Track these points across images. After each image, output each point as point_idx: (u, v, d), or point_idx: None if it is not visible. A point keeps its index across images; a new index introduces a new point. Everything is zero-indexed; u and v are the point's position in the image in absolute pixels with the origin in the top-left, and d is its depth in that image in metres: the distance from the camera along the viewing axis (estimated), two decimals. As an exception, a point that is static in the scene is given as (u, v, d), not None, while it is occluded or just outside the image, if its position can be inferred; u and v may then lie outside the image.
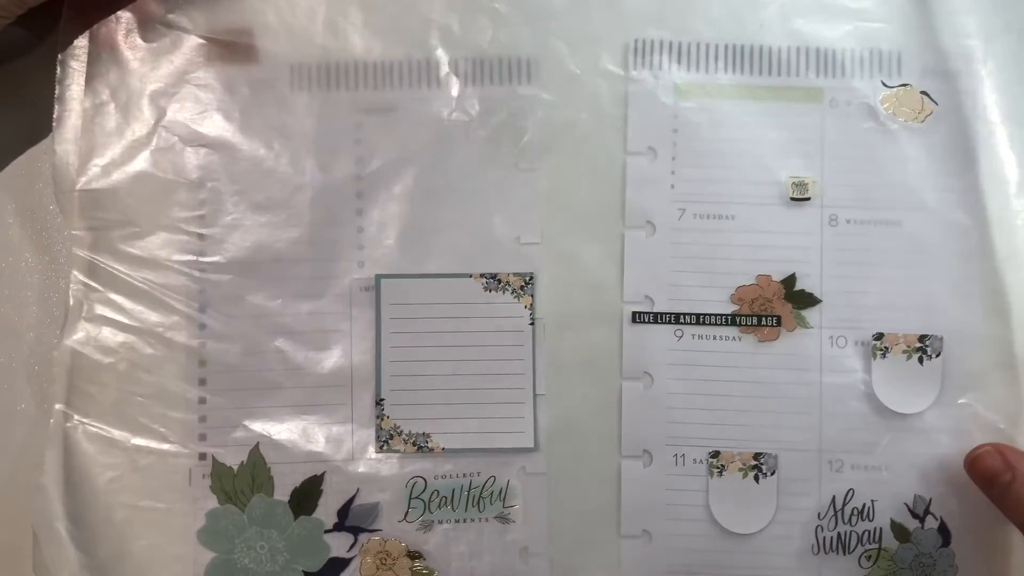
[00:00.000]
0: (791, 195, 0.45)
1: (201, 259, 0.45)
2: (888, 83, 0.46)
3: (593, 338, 0.45)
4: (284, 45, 0.46)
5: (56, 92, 0.45)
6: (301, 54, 0.46)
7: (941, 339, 0.45)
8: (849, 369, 0.45)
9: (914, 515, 0.45)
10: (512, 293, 0.45)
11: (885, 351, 0.45)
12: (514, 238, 0.46)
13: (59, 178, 0.44)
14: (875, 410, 0.45)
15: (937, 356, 0.45)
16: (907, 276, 0.45)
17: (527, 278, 0.45)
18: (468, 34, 0.46)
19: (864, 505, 0.45)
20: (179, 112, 0.45)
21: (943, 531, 0.45)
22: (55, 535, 0.42)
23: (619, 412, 0.45)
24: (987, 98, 0.46)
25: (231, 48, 0.45)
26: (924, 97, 0.46)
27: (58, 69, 0.45)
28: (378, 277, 0.45)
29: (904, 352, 0.45)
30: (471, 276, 0.45)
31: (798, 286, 0.45)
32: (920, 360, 0.45)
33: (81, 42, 0.45)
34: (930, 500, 0.44)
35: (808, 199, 0.45)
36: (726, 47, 0.46)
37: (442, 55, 0.46)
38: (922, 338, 0.45)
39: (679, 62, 0.46)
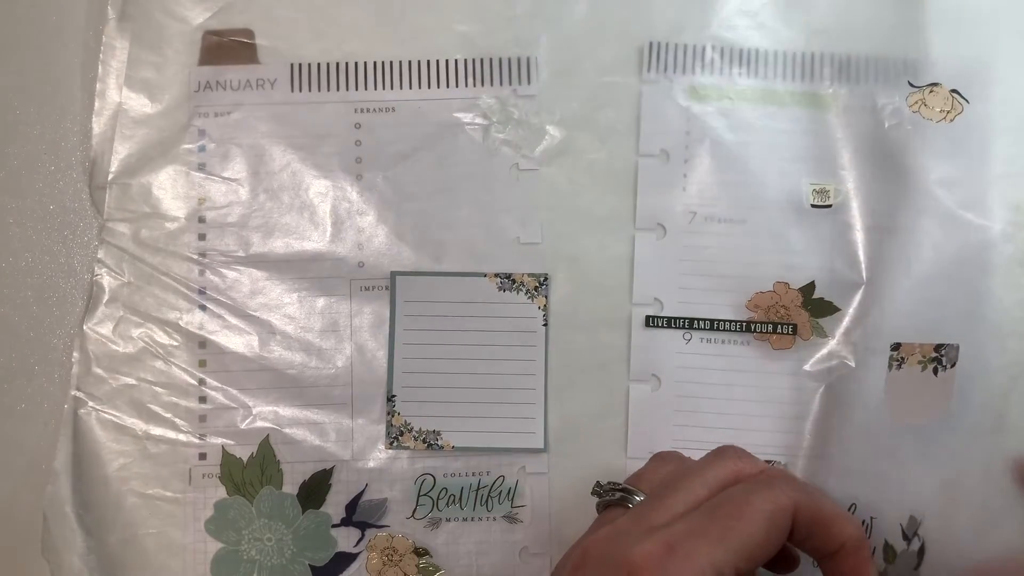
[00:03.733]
0: (812, 202, 0.45)
1: (219, 253, 0.45)
2: (915, 83, 0.45)
3: (602, 339, 0.45)
4: (285, 45, 0.46)
5: (96, 88, 0.46)
6: (302, 54, 0.46)
7: (957, 348, 0.43)
8: (863, 380, 0.44)
9: (905, 536, 0.43)
10: (526, 293, 0.45)
11: (901, 362, 0.44)
12: (513, 238, 0.46)
13: (94, 170, 0.45)
14: (886, 423, 0.43)
15: (952, 366, 0.43)
16: (931, 285, 0.44)
17: (541, 279, 0.45)
18: (479, 35, 0.46)
19: (863, 523, 0.43)
20: (209, 113, 0.46)
21: (920, 554, 0.43)
22: (64, 519, 0.43)
23: (626, 414, 0.45)
24: (1022, 94, 0.45)
25: (232, 48, 0.46)
26: (954, 96, 0.45)
27: (99, 68, 0.46)
28: (393, 274, 0.45)
29: (920, 362, 0.44)
30: (486, 275, 0.45)
31: (817, 294, 0.44)
32: (935, 371, 0.43)
33: (123, 43, 0.46)
34: (921, 521, 0.43)
35: (829, 206, 0.45)
36: (743, 51, 0.45)
37: (451, 55, 0.46)
38: (938, 347, 0.44)
39: (695, 65, 0.45)
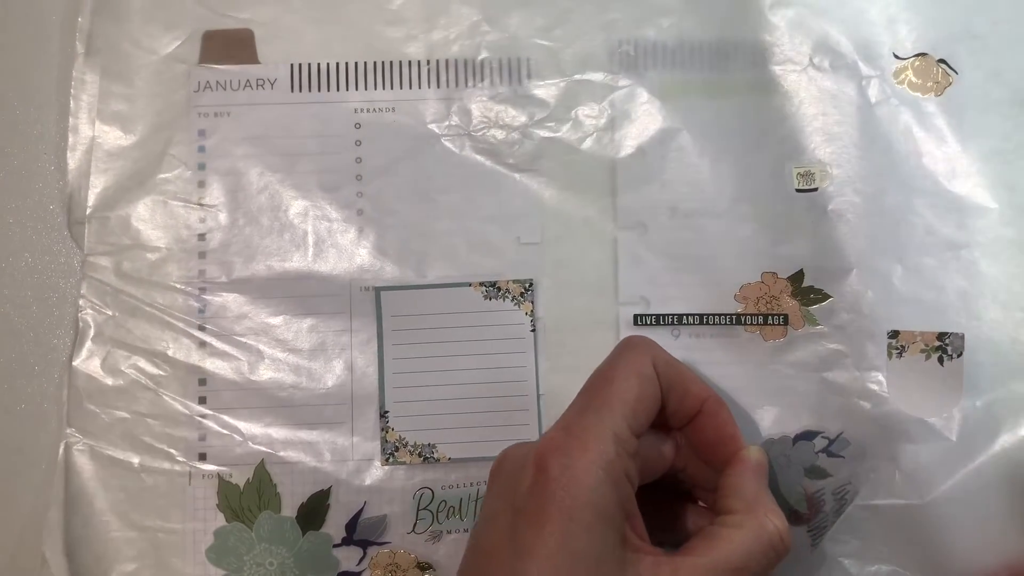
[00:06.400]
0: (797, 186, 0.44)
1: (204, 279, 0.45)
2: (900, 54, 0.44)
3: (592, 341, 0.44)
4: (284, 45, 0.46)
5: (70, 123, 0.46)
6: (301, 54, 0.46)
7: (962, 337, 0.42)
8: (862, 370, 0.43)
9: None
10: (512, 300, 0.45)
11: (901, 350, 0.42)
12: (514, 238, 0.45)
13: (72, 205, 0.45)
14: (890, 415, 0.42)
15: (959, 356, 0.42)
16: (925, 269, 0.43)
17: (527, 285, 0.45)
18: (460, 37, 0.46)
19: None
20: (186, 139, 0.46)
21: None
22: (63, 558, 0.43)
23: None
24: (1011, 64, 0.43)
25: (231, 48, 0.46)
26: (942, 66, 0.44)
27: (71, 102, 0.46)
28: (377, 289, 0.45)
29: (922, 351, 0.42)
30: (471, 285, 0.45)
31: (806, 282, 0.43)
32: (940, 360, 0.42)
33: (92, 77, 0.46)
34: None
35: (815, 190, 0.44)
36: (713, 43, 0.44)
37: (433, 57, 0.46)
38: (941, 336, 0.42)
39: (665, 59, 0.45)
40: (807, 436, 0.43)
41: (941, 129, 0.43)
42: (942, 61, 0.44)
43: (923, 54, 0.44)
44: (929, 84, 0.44)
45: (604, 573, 0.32)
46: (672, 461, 0.39)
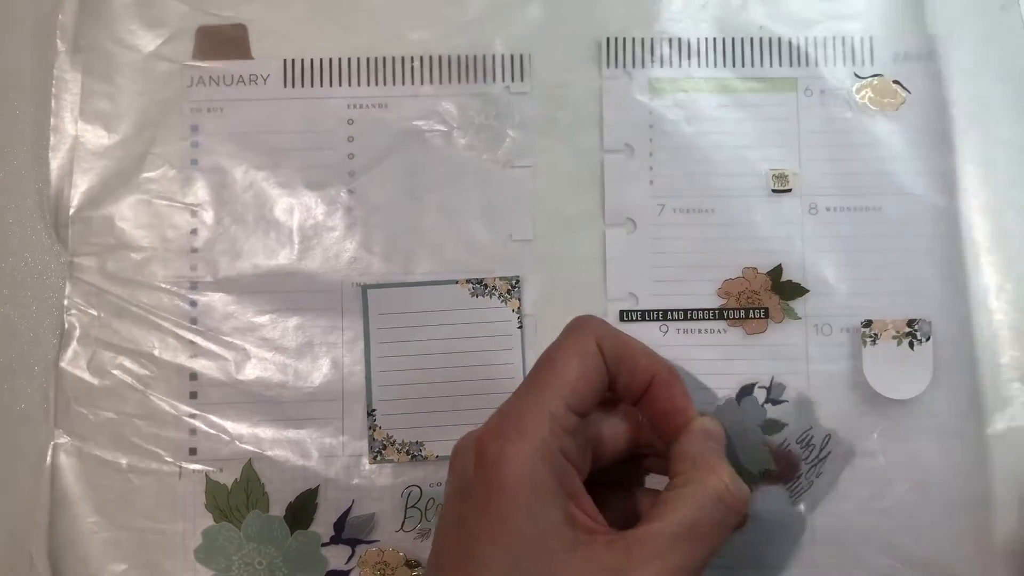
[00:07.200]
0: (772, 187, 0.45)
1: (192, 278, 0.45)
2: (860, 74, 0.46)
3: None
4: (277, 40, 0.46)
5: (51, 123, 0.45)
6: (294, 50, 0.46)
7: (930, 323, 0.44)
8: (840, 358, 0.44)
9: None
10: (499, 297, 0.45)
11: (875, 337, 0.44)
12: (502, 235, 0.46)
13: (55, 206, 0.45)
14: (868, 398, 0.44)
15: (927, 340, 0.44)
16: (891, 261, 0.45)
17: (513, 282, 0.45)
18: (450, 34, 0.46)
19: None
20: (169, 138, 0.46)
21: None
22: (51, 560, 0.43)
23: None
24: (958, 83, 0.46)
25: (225, 44, 0.46)
26: (897, 86, 0.46)
27: (52, 102, 0.45)
28: (364, 287, 0.45)
29: (894, 338, 0.44)
30: (457, 283, 0.45)
31: (784, 277, 0.45)
32: (911, 345, 0.44)
33: (74, 75, 0.45)
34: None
35: (789, 190, 0.45)
36: (698, 41, 0.46)
37: (424, 53, 0.46)
38: (911, 323, 0.44)
39: (651, 59, 0.46)
40: (747, 392, 0.44)
41: (899, 137, 0.46)
42: (896, 81, 0.46)
43: (879, 75, 0.46)
44: (885, 100, 0.46)
45: (550, 552, 0.33)
46: (634, 438, 0.39)
